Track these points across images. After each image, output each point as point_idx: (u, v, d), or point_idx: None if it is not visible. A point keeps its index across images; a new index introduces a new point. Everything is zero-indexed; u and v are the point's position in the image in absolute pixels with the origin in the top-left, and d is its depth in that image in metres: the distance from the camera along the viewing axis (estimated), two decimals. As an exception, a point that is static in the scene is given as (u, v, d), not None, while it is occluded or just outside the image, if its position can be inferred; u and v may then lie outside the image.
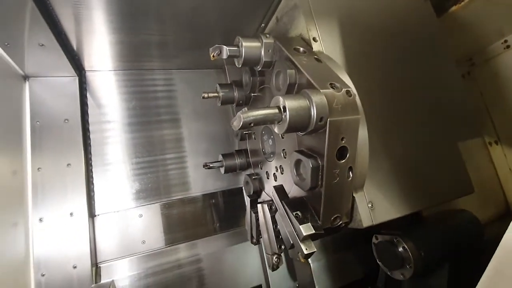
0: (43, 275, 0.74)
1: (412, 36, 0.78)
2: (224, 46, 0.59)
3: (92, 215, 0.85)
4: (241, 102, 0.83)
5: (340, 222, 0.55)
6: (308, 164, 0.50)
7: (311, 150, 0.53)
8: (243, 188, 0.86)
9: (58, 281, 0.74)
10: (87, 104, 0.92)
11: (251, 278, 0.97)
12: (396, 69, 0.73)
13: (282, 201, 0.56)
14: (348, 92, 0.49)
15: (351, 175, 0.52)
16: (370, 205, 0.56)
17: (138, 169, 0.94)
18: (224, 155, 0.90)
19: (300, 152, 0.53)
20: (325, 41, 0.64)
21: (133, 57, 0.96)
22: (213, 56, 0.60)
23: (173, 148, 0.99)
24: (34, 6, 0.63)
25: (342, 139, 0.49)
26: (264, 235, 0.67)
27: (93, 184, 0.88)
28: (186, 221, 0.95)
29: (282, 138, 0.64)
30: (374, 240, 0.77)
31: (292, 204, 0.55)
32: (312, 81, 0.49)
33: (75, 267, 0.76)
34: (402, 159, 0.65)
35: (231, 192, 1.04)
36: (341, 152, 0.50)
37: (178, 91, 1.05)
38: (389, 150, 0.63)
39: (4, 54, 0.76)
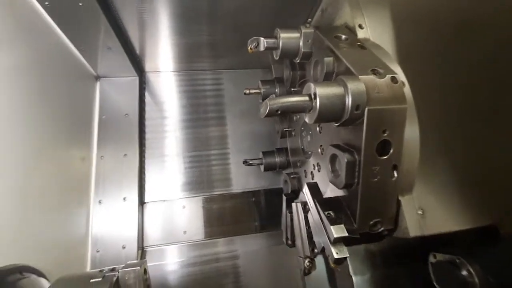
0: (98, 251, 0.83)
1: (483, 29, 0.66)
2: (262, 38, 0.59)
3: (142, 202, 0.92)
4: (282, 98, 0.81)
5: (381, 229, 0.48)
6: (342, 158, 0.45)
7: (348, 145, 0.48)
8: (283, 187, 0.84)
9: (109, 258, 0.82)
10: (144, 101, 1.02)
11: (288, 283, 0.92)
12: (460, 64, 0.62)
13: (314, 199, 0.52)
14: (393, 79, 0.43)
15: (395, 175, 0.45)
16: (420, 212, 0.48)
17: (185, 163, 0.99)
18: (264, 153, 0.89)
19: (335, 146, 0.49)
20: (373, 29, 0.58)
21: (186, 58, 1.02)
22: (250, 48, 0.60)
23: (217, 145, 1.02)
24: (102, 14, 0.72)
25: (383, 132, 0.43)
26: (298, 237, 0.63)
27: (144, 174, 0.96)
28: (226, 216, 0.97)
29: (320, 133, 0.60)
30: (431, 258, 0.66)
31: (325, 203, 0.51)
32: (350, 67, 0.44)
33: (124, 247, 0.84)
34: (467, 162, 0.54)
35: (273, 191, 1.02)
36: (383, 147, 0.44)
37: (225, 90, 1.08)
38: (450, 150, 0.53)
39: (81, 58, 0.89)
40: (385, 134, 0.43)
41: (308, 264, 0.59)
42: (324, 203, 0.51)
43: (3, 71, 0.58)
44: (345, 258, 0.45)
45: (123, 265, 0.52)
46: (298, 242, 0.63)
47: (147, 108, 1.01)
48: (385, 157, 0.44)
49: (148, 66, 1.04)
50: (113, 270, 0.52)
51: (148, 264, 0.86)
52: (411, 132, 0.46)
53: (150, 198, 0.94)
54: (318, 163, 0.62)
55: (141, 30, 0.87)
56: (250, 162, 0.88)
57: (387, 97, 0.42)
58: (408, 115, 0.44)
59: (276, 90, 0.81)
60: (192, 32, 0.89)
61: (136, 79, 1.01)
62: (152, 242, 0.91)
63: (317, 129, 0.60)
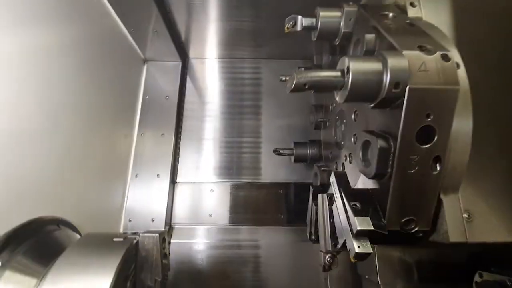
0: (130, 220, 0.88)
1: None
2: (299, 16, 0.56)
3: (173, 181, 0.96)
4: (320, 87, 0.77)
5: (415, 229, 0.42)
6: (375, 144, 0.40)
7: (384, 132, 0.43)
8: (312, 180, 0.80)
9: (139, 228, 0.86)
10: (185, 85, 1.06)
11: (308, 281, 0.88)
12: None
13: (340, 188, 0.48)
14: (444, 57, 0.38)
15: (438, 168, 0.39)
16: (466, 216, 0.41)
17: (217, 147, 1.00)
18: (296, 143, 0.86)
19: (369, 132, 0.44)
20: (428, 8, 0.52)
21: (229, 45, 1.04)
22: (287, 28, 0.57)
23: (250, 133, 1.02)
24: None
25: (427, 116, 0.37)
26: (321, 230, 0.59)
27: (179, 154, 0.99)
28: (252, 205, 0.96)
29: (355, 121, 0.55)
30: (477, 278, 0.57)
31: (352, 194, 0.47)
32: (393, 41, 0.40)
33: (153, 221, 0.88)
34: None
35: (303, 186, 0.98)
36: (425, 134, 0.38)
37: (263, 79, 1.07)
38: (508, 148, 0.45)
39: (132, 41, 0.95)
40: (429, 119, 0.37)
41: (329, 259, 0.55)
42: (350, 194, 0.46)
43: (58, 46, 0.64)
44: (368, 254, 0.40)
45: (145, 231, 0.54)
46: (321, 236, 0.59)
47: (186, 92, 1.05)
48: (427, 146, 0.38)
49: (191, 52, 1.07)
50: (135, 234, 0.54)
51: (173, 241, 0.90)
52: (462, 120, 0.40)
53: (181, 178, 0.97)
54: (350, 153, 0.58)
55: (188, 15, 0.90)
56: (281, 152, 0.86)
57: (435, 75, 0.37)
58: (461, 99, 0.38)
59: (314, 78, 0.77)
60: (237, 18, 0.89)
61: (179, 64, 1.05)
62: (179, 220, 0.94)
63: (352, 116, 0.56)
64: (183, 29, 0.95)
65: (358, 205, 0.44)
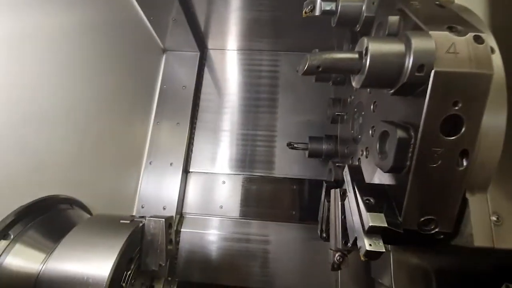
0: (143, 206, 0.89)
1: None
2: (318, 0, 0.53)
3: (186, 170, 0.96)
4: (338, 79, 0.74)
5: (435, 230, 0.38)
6: (393, 133, 0.37)
7: (405, 122, 0.39)
8: (326, 176, 0.76)
9: (151, 215, 0.87)
10: (202, 76, 1.05)
11: (319, 282, 0.85)
12: None
13: (353, 182, 0.45)
14: (477, 38, 0.34)
15: (464, 164, 0.35)
16: (494, 219, 0.37)
17: (230, 139, 0.99)
18: (311, 138, 0.83)
19: (388, 122, 0.41)
20: (462, -9, 0.47)
21: (247, 36, 1.02)
22: (305, 12, 0.55)
23: (265, 126, 1.00)
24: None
25: (454, 104, 0.34)
26: (332, 227, 0.56)
27: (193, 144, 0.99)
28: (263, 199, 0.94)
29: (373, 112, 0.52)
30: (504, 290, 0.51)
31: (366, 188, 0.43)
32: (419, 22, 0.36)
33: (164, 208, 0.88)
34: None
35: (317, 183, 0.95)
36: (451, 124, 0.35)
37: (281, 73, 1.04)
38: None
39: (152, 30, 0.96)
40: (456, 107, 0.34)
41: (338, 258, 0.52)
42: (364, 188, 0.43)
43: (80, 32, 0.65)
44: (380, 253, 0.37)
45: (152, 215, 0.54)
46: (331, 233, 0.56)
47: (203, 83, 1.05)
48: (453, 138, 0.35)
49: (209, 43, 1.07)
50: (142, 217, 0.54)
51: (183, 230, 0.90)
52: (495, 110, 0.36)
53: (194, 168, 0.97)
54: (366, 148, 0.54)
55: (208, 4, 0.89)
56: (295, 145, 0.83)
57: (465, 59, 0.33)
58: (494, 87, 0.34)
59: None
60: (257, 8, 0.87)
61: (197, 55, 1.05)
62: (190, 210, 0.94)
63: (371, 107, 0.52)
64: (202, 19, 0.95)
65: (371, 200, 0.41)
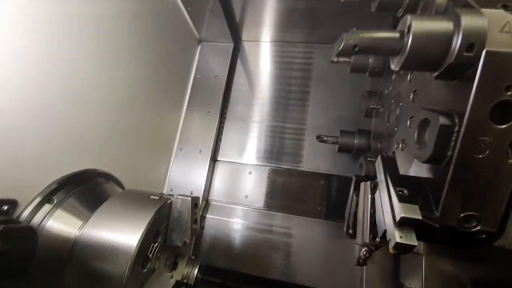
0: (171, 190, 0.93)
1: None
2: (358, -17, 0.51)
3: (214, 158, 0.98)
4: (376, 70, 0.71)
5: (477, 228, 0.35)
6: (435, 120, 0.35)
7: (449, 110, 0.36)
8: (357, 171, 0.73)
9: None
10: (235, 67, 1.07)
11: (342, 281, 0.82)
12: None
13: (386, 172, 0.42)
14: (540, 16, 0.30)
15: (516, 156, 0.32)
16: (549, 221, 0.33)
17: (259, 130, 0.99)
18: (342, 132, 0.80)
19: (429, 109, 0.38)
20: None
21: (282, 27, 1.01)
22: (343, -4, 0.53)
23: (295, 119, 0.98)
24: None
25: (507, 89, 0.30)
26: (359, 221, 0.54)
27: (222, 133, 1.01)
28: (289, 192, 0.93)
29: (413, 101, 0.48)
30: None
31: (400, 179, 0.41)
32: (470, 0, 0.33)
33: (191, 193, 0.91)
34: None
35: (346, 180, 0.91)
36: (502, 111, 0.31)
37: (314, 65, 1.02)
38: None
39: (189, 20, 0.99)
40: (509, 93, 0.30)
41: (364, 253, 0.50)
42: (397, 179, 0.41)
43: (120, 18, 0.69)
44: (411, 246, 0.35)
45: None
46: (359, 227, 0.54)
47: (236, 74, 1.06)
48: (504, 126, 0.31)
49: (244, 35, 1.07)
50: (170, 195, 0.56)
51: (208, 216, 0.92)
52: (559, 97, 0.31)
53: (222, 157, 0.99)
54: (403, 140, 0.51)
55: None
56: (324, 139, 0.81)
57: (523, 38, 0.29)
58: (559, 70, 0.30)
59: (370, 60, 0.71)
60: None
61: (231, 46, 1.06)
62: (215, 197, 0.96)
63: (411, 97, 0.49)
64: (238, 9, 0.96)
65: (405, 191, 0.38)
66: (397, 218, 0.36)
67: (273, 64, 1.05)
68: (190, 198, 0.54)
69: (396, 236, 0.35)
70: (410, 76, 0.52)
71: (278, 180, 0.94)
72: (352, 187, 0.65)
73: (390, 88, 0.62)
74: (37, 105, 0.51)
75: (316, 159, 0.94)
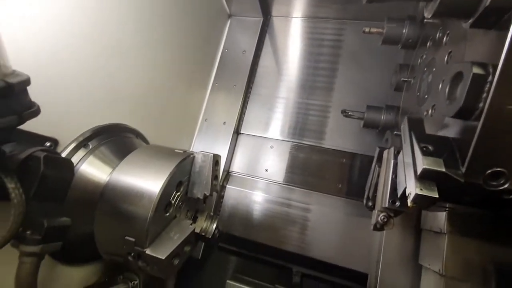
0: (195, 159, 0.96)
1: None
2: None
3: (237, 131, 1.00)
4: (410, 41, 0.68)
5: (504, 186, 0.33)
6: (468, 70, 0.33)
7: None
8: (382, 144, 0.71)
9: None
10: (263, 42, 1.07)
11: (358, 261, 0.81)
12: None
13: (411, 131, 0.41)
14: None
15: (556, 108, 0.29)
16: None
17: (284, 106, 0.99)
18: (369, 107, 0.78)
19: (463, 63, 0.36)
20: None
21: (314, 3, 0.99)
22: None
23: (321, 96, 0.97)
24: None
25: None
26: (380, 188, 0.53)
27: (246, 107, 1.02)
28: (309, 168, 0.92)
29: (447, 63, 0.46)
30: None
31: (425, 137, 0.39)
32: None
33: (213, 163, 0.94)
34: None
35: (370, 160, 0.89)
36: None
37: (345, 42, 0.99)
38: None
39: (222, -5, 1.00)
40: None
41: (382, 218, 0.49)
42: (423, 136, 0.39)
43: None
44: (432, 199, 0.34)
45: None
46: (378, 194, 0.53)
47: (263, 49, 1.06)
48: (545, 73, 0.29)
49: (274, 10, 1.07)
50: (193, 153, 0.58)
51: (229, 186, 0.94)
52: None
53: (245, 130, 1.00)
54: (433, 105, 0.49)
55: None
56: (350, 113, 0.79)
57: None
58: None
59: (404, 31, 0.68)
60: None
61: (260, 21, 1.06)
62: (236, 169, 0.98)
63: (445, 59, 0.47)
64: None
65: (430, 147, 0.37)
66: (419, 171, 0.35)
67: (302, 40, 1.04)
68: (212, 154, 0.56)
69: (416, 188, 0.34)
70: (446, 38, 0.49)
71: (300, 156, 0.94)
72: (375, 158, 0.64)
73: (424, 56, 0.59)
74: (82, 56, 0.55)
75: (339, 137, 0.93)
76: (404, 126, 0.44)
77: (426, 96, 0.53)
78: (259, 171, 0.96)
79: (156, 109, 0.80)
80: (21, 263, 0.37)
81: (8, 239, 0.33)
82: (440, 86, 0.47)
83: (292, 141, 0.96)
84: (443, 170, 0.33)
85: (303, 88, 0.99)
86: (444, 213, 0.61)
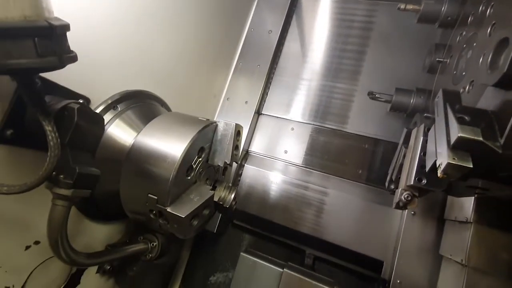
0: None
1: None
2: None
3: (258, 111, 1.00)
4: (449, 18, 0.64)
5: (549, 160, 0.31)
6: (517, 32, 0.30)
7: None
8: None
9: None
10: (289, 23, 1.05)
11: (373, 248, 0.80)
12: None
13: (446, 103, 0.39)
14: None
15: None
16: None
17: (307, 88, 0.98)
18: (398, 89, 0.75)
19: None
20: None
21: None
22: None
23: (346, 79, 0.94)
24: None
25: None
26: (405, 167, 0.51)
27: (269, 88, 1.01)
28: (329, 152, 0.91)
29: (489, 36, 0.43)
30: None
31: (462, 108, 0.37)
32: None
33: (233, 141, 0.94)
34: None
35: (394, 146, 0.86)
36: None
37: (376, 24, 0.95)
38: None
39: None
40: None
41: (406, 196, 0.47)
42: (459, 107, 0.37)
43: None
44: (466, 168, 0.32)
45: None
46: (403, 174, 0.51)
47: (289, 30, 1.04)
48: None
49: (303, -11, 1.04)
50: (216, 121, 0.59)
51: (247, 165, 0.95)
52: None
53: (266, 111, 1.00)
54: (472, 81, 0.46)
55: None
56: (377, 96, 0.77)
57: None
58: None
59: (443, 8, 0.64)
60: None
61: (288, 1, 1.04)
62: (255, 149, 0.98)
63: (488, 31, 0.43)
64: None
65: (466, 118, 0.35)
66: (453, 140, 0.33)
67: (330, 22, 1.00)
68: (234, 123, 0.56)
69: (450, 157, 0.33)
70: (490, 11, 0.46)
71: (320, 139, 0.93)
72: (402, 139, 0.61)
73: (464, 33, 0.56)
74: (115, 22, 0.57)
75: (363, 122, 0.90)
76: (439, 99, 0.42)
77: (463, 73, 0.50)
78: (278, 152, 0.96)
79: (181, 84, 0.81)
80: (53, 205, 0.39)
81: (44, 178, 0.35)
82: (481, 59, 0.44)
83: (314, 124, 0.94)
84: (480, 139, 0.31)
85: (328, 71, 0.97)
86: (472, 200, 0.58)
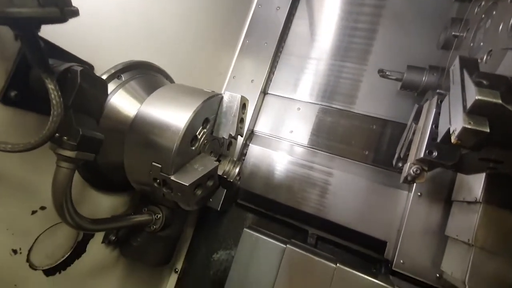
0: (220, 115, 0.96)
1: None
2: None
3: (264, 91, 0.98)
4: (468, -9, 0.60)
5: None
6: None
7: None
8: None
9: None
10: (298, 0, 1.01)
11: (377, 228, 0.79)
12: None
13: (463, 69, 0.37)
14: None
15: None
16: None
17: (315, 67, 0.95)
18: (410, 67, 0.73)
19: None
20: None
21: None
22: None
23: (356, 58, 0.92)
24: None
25: None
26: (415, 141, 0.50)
27: (275, 67, 0.99)
28: (336, 133, 0.89)
29: (511, 2, 0.40)
30: None
31: (480, 74, 0.35)
32: None
33: (238, 120, 0.93)
34: None
35: (401, 127, 0.84)
36: None
37: (389, 1, 0.91)
38: None
39: None
40: None
41: (415, 170, 0.46)
42: (477, 73, 0.35)
43: None
44: (481, 133, 0.31)
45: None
46: (413, 148, 0.50)
47: (299, 6, 1.01)
48: None
49: (314, -35, 1.00)
50: (222, 93, 0.57)
51: (252, 145, 0.94)
52: None
53: (272, 90, 0.98)
54: (490, 50, 0.44)
55: None
56: (387, 73, 0.74)
57: None
58: None
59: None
60: None
61: (298, -24, 1.00)
62: (260, 128, 0.97)
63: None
64: None
65: (484, 82, 0.33)
66: (470, 103, 0.31)
67: (341, -1, 0.97)
68: (240, 95, 0.55)
69: (465, 122, 0.31)
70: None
71: (327, 120, 0.91)
72: (412, 116, 0.60)
73: (482, 4, 0.53)
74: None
75: (372, 102, 0.88)
76: (455, 67, 0.40)
77: (481, 44, 0.48)
78: (283, 132, 0.94)
79: (187, 59, 0.80)
80: (58, 167, 0.39)
81: (47, 137, 0.34)
82: (501, 26, 0.42)
83: (321, 104, 0.93)
84: (500, 101, 0.30)
85: (337, 49, 0.94)
86: (483, 179, 0.57)
